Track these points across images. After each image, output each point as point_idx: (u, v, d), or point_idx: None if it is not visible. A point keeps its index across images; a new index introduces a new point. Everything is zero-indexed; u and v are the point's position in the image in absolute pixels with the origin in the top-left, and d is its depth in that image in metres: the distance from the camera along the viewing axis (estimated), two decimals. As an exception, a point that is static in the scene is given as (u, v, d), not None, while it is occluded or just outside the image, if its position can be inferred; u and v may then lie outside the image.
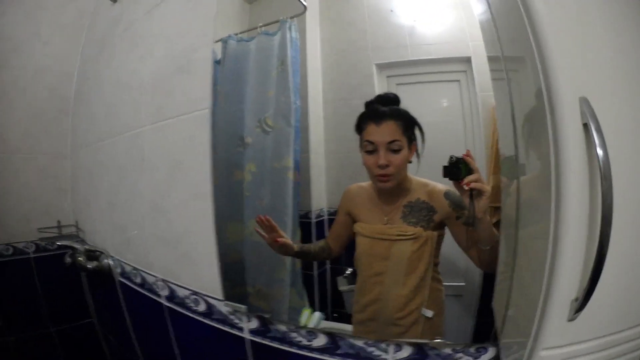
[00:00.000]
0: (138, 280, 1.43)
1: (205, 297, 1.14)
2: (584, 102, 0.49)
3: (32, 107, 2.02)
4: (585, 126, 0.49)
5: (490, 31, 0.88)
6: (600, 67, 0.54)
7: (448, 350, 0.83)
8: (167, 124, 1.28)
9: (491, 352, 0.81)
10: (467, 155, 0.77)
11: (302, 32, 1.25)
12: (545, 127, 0.53)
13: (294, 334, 0.97)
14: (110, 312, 1.79)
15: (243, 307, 1.05)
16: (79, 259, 1.66)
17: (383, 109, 0.89)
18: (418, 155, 0.89)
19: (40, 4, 2.04)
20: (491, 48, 0.89)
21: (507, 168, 0.78)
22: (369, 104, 0.91)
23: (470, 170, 0.76)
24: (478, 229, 0.78)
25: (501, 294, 0.76)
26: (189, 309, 1.21)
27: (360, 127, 0.91)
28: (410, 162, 0.90)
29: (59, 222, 2.05)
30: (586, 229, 0.50)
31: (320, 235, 1.17)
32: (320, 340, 0.94)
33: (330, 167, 1.22)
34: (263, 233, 1.00)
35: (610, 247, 0.47)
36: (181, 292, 1.23)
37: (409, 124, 0.88)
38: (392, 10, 1.17)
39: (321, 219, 1.21)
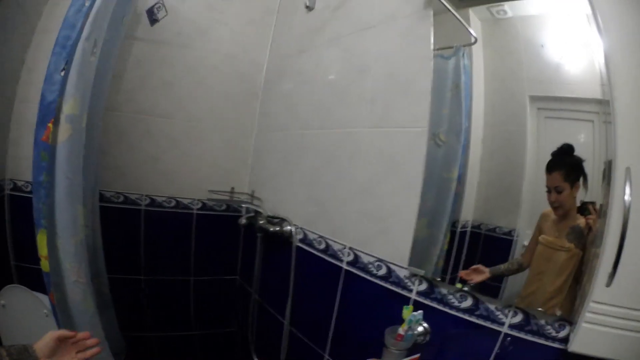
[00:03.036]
0: (322, 246, 2.27)
1: (389, 264, 1.93)
2: (628, 172, 1.14)
3: (222, 86, 2.80)
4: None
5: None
6: None
7: (542, 321, 1.52)
8: (387, 131, 1.95)
9: (567, 329, 1.43)
10: (592, 204, 1.39)
11: (468, 56, 1.71)
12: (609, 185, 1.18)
13: (450, 297, 1.73)
14: (273, 272, 2.61)
15: (422, 271, 1.77)
16: (261, 222, 2.49)
17: (553, 161, 1.45)
18: (586, 190, 1.44)
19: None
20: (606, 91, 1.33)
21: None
22: (552, 154, 1.48)
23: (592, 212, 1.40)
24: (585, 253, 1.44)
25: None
26: (369, 272, 2.01)
27: (546, 170, 1.49)
28: (574, 197, 1.43)
29: (232, 188, 2.85)
30: (617, 234, 1.15)
31: (461, 245, 1.72)
32: (467, 303, 1.69)
33: (482, 183, 1.68)
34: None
35: (625, 249, 1.13)
36: (366, 259, 2.01)
37: (571, 171, 1.41)
38: (542, 46, 1.56)
39: (465, 230, 1.71)
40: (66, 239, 1.97)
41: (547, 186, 1.49)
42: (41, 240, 1.92)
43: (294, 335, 2.52)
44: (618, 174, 1.18)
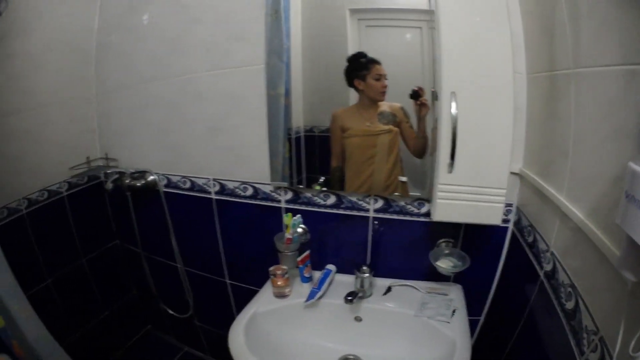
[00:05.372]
0: (187, 185, 2.33)
1: (253, 184, 2.07)
2: (454, 94, 1.39)
3: (59, 64, 2.58)
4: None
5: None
6: (468, 70, 1.39)
7: (403, 203, 1.79)
8: (225, 72, 2.01)
9: (427, 206, 1.77)
10: (421, 88, 1.61)
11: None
12: (439, 85, 1.42)
13: (316, 198, 1.91)
14: (150, 224, 2.63)
15: (285, 183, 1.92)
16: (126, 180, 2.46)
17: (373, 58, 1.66)
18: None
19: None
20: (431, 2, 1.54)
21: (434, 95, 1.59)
22: (357, 57, 1.68)
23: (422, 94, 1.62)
24: (419, 125, 1.67)
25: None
26: (238, 195, 2.14)
27: (365, 67, 1.68)
28: None
29: (88, 157, 2.75)
30: (449, 137, 1.40)
31: (298, 149, 1.89)
32: (332, 200, 1.89)
33: (306, 92, 1.83)
34: None
35: (457, 147, 1.40)
36: (231, 185, 2.14)
37: None
38: None
39: (298, 135, 1.88)
40: (3, 281, 1.80)
41: (380, 75, 1.69)
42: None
43: (193, 274, 2.61)
44: (444, 95, 1.42)
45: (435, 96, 1.52)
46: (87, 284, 2.90)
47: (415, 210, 1.79)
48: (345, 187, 1.85)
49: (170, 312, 2.84)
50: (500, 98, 1.39)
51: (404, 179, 1.78)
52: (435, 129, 1.53)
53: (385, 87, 1.68)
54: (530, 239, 1.49)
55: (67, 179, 2.69)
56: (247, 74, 1.94)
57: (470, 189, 1.48)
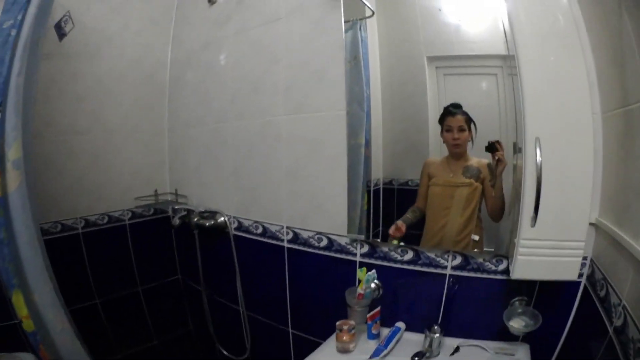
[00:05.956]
0: (259, 231, 2.30)
1: (329, 235, 2.02)
2: (538, 140, 1.32)
3: (130, 91, 2.69)
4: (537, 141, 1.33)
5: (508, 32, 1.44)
6: (550, 114, 1.34)
7: (481, 260, 1.71)
8: (305, 116, 2.04)
9: (505, 263, 1.67)
10: (499, 142, 1.56)
11: (365, 28, 1.79)
12: (523, 132, 1.37)
13: (392, 253, 1.85)
14: (215, 265, 2.63)
15: (362, 237, 1.88)
16: (195, 219, 2.48)
17: (454, 109, 1.63)
18: (472, 140, 1.65)
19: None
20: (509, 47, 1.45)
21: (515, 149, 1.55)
22: (446, 107, 1.64)
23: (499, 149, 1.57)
24: (495, 184, 1.62)
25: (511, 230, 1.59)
26: (311, 246, 2.09)
27: (442, 118, 1.65)
28: (469, 140, 1.65)
29: (156, 190, 2.81)
30: (534, 187, 1.33)
31: (377, 202, 1.87)
32: (409, 255, 1.82)
33: (387, 143, 1.82)
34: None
35: (542, 198, 1.32)
36: (305, 234, 2.11)
37: (469, 118, 1.61)
38: (440, 10, 1.67)
39: (377, 187, 1.86)
40: (42, 290, 1.80)
41: (450, 126, 1.67)
42: (18, 301, 1.73)
43: (254, 319, 2.56)
44: (529, 140, 1.37)
45: (516, 149, 1.49)
46: (140, 311, 2.93)
47: (493, 268, 1.71)
48: (424, 232, 1.81)
49: (226, 353, 2.80)
50: (580, 142, 1.35)
51: (476, 237, 1.72)
52: (513, 186, 1.51)
53: (455, 139, 1.66)
54: (602, 293, 1.40)
55: (131, 207, 2.76)
56: (326, 119, 1.96)
57: (550, 244, 1.41)
